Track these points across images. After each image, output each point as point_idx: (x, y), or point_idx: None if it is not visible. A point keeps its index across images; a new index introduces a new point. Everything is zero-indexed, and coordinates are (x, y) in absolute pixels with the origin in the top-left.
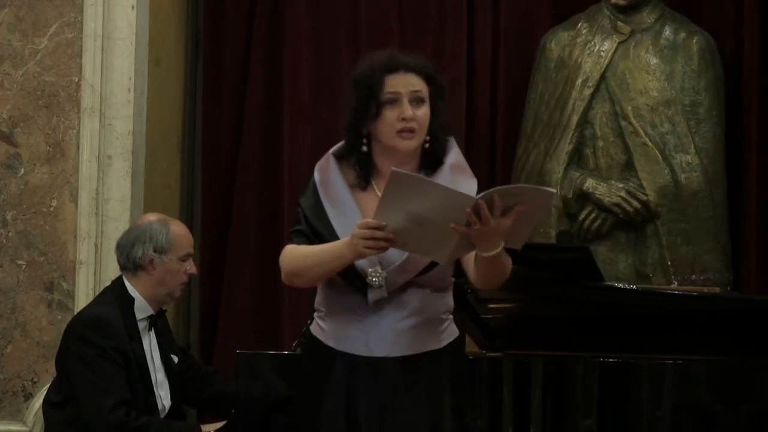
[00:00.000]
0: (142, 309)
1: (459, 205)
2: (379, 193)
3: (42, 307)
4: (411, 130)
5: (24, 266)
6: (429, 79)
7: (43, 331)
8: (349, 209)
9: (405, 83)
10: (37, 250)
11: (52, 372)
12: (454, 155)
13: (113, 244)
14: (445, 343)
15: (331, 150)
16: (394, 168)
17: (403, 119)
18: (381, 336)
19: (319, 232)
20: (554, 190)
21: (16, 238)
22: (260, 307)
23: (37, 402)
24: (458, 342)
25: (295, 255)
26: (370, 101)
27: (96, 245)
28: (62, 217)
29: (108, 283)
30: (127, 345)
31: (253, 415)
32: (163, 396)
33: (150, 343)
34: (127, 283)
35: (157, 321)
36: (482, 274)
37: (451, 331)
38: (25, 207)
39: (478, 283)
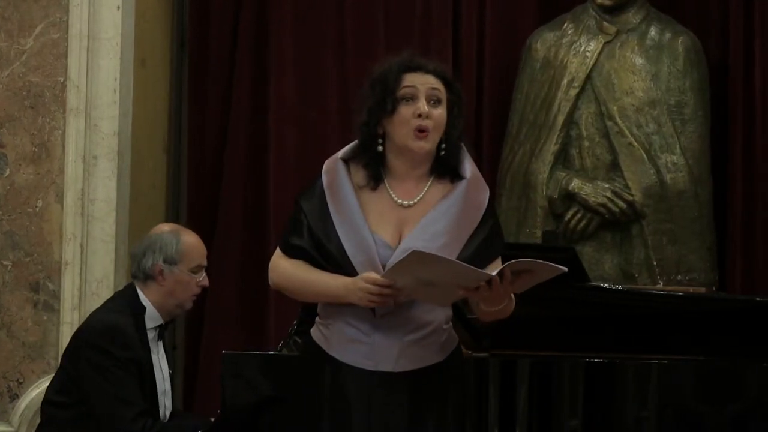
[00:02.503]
0: (153, 318)
1: (472, 278)
2: (392, 193)
3: (28, 308)
4: (425, 129)
5: (9, 267)
6: (448, 85)
7: (28, 332)
8: (354, 215)
9: (423, 81)
10: (23, 251)
11: (39, 372)
12: (470, 167)
13: (99, 245)
14: (448, 353)
15: (340, 153)
16: (415, 250)
17: (419, 116)
18: (386, 350)
19: (321, 242)
20: (566, 269)
21: (1, 239)
22: (246, 308)
23: (23, 402)
24: (458, 350)
25: (288, 274)
26: (387, 98)
27: (82, 246)
28: (48, 218)
29: (94, 284)
30: (141, 355)
31: (239, 416)
32: (167, 406)
33: (158, 353)
34: (138, 291)
35: (165, 331)
36: (483, 315)
37: (452, 340)
38: (11, 207)
39: (480, 317)
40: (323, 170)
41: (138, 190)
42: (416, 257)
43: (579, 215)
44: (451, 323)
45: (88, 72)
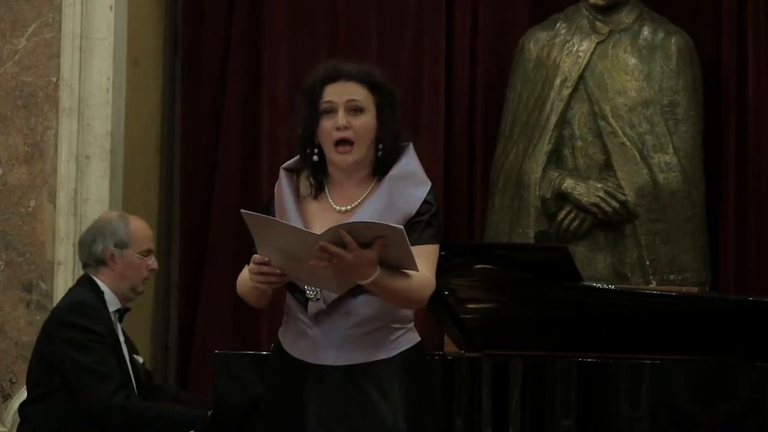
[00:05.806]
0: (112, 301)
1: (307, 243)
2: (331, 201)
3: (20, 308)
4: (346, 141)
5: (2, 267)
6: (373, 87)
7: (21, 332)
8: (291, 222)
9: (342, 92)
10: (16, 251)
11: None
12: (401, 165)
13: None
14: (395, 353)
15: (283, 165)
16: (243, 210)
17: (337, 129)
18: (327, 344)
19: None
20: (401, 227)
21: None
22: (238, 308)
23: (16, 403)
24: (413, 351)
25: (240, 281)
26: (313, 111)
27: (74, 246)
28: (41, 218)
29: None
30: (112, 328)
31: (230, 415)
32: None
33: (121, 335)
34: (93, 278)
35: (123, 317)
36: (383, 297)
37: (403, 341)
38: (4, 207)
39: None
40: (277, 182)
41: (131, 189)
42: (249, 220)
43: (572, 215)
44: (408, 326)
45: (80, 72)
